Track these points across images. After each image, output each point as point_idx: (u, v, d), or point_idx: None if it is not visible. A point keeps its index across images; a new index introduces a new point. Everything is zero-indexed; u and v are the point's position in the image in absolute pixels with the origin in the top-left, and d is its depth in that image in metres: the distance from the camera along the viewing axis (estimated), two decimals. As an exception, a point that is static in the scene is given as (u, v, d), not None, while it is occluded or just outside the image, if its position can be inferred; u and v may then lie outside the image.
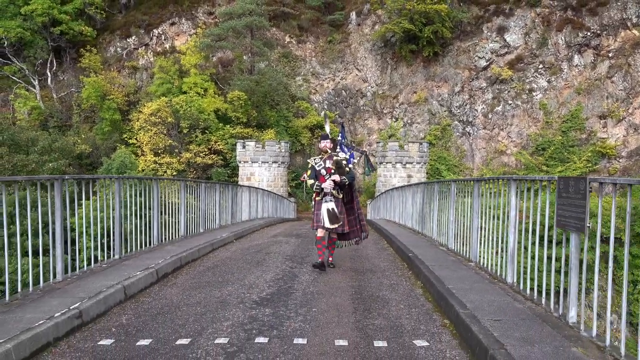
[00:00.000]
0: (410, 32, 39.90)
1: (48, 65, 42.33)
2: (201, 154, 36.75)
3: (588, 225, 4.09)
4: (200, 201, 12.05)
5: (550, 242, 4.94)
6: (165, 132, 36.90)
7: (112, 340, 4.53)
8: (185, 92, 38.72)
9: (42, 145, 33.25)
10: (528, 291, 5.37)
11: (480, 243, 7.09)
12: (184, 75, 40.14)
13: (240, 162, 35.46)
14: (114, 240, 7.64)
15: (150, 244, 8.97)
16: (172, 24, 45.86)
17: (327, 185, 7.59)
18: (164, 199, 9.83)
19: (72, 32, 41.57)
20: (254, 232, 14.13)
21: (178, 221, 10.53)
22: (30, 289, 5.45)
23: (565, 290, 4.53)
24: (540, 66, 40.36)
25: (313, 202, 8.00)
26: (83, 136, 38.21)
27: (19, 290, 5.30)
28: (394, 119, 42.23)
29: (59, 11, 40.71)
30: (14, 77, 41.52)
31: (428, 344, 4.45)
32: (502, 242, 6.17)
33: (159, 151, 36.44)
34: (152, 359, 4.08)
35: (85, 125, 41.09)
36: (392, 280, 7.25)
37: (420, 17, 39.33)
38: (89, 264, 6.78)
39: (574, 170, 36.87)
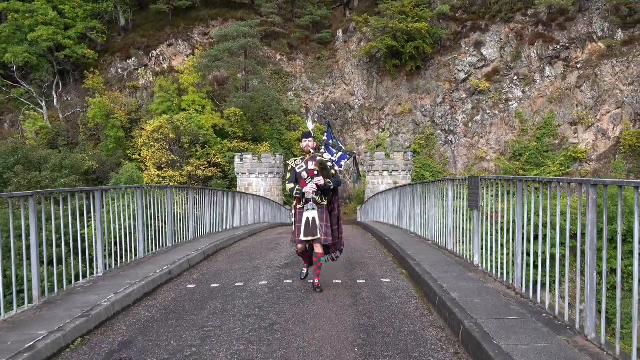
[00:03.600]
0: (394, 48, 42.92)
1: (54, 87, 44.98)
2: (201, 167, 39.38)
3: (481, 204, 6.88)
4: (218, 206, 14.75)
5: (470, 219, 7.72)
6: (167, 147, 39.47)
7: (195, 285, 7.27)
8: (184, 110, 41.43)
9: (53, 163, 35.64)
10: (459, 252, 8.16)
11: (435, 226, 9.86)
12: (182, 94, 42.89)
13: (238, 173, 38.16)
14: (166, 233, 10.32)
15: (188, 238, 11.67)
16: (169, 45, 48.65)
17: (309, 189, 6.65)
18: (195, 204, 12.54)
19: (75, 55, 44.21)
20: (262, 232, 16.85)
21: (204, 222, 13.23)
22: (129, 261, 8.17)
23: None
24: (515, 78, 43.50)
25: (293, 212, 6.99)
26: (90, 153, 40.68)
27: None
28: (380, 130, 45.13)
29: (63, 36, 43.36)
30: (21, 99, 44.06)
31: (390, 280, 7.26)
32: (445, 223, 8.95)
33: (162, 165, 39.01)
34: (223, 292, 6.81)
35: (90, 143, 43.62)
36: (372, 254, 10.05)
37: (403, 34, 42.38)
38: (155, 248, 9.49)
39: (548, 173, 39.79)
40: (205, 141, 40.01)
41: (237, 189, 38.23)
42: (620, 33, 41.03)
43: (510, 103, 43.13)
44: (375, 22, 43.38)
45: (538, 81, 42.88)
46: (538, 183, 5.11)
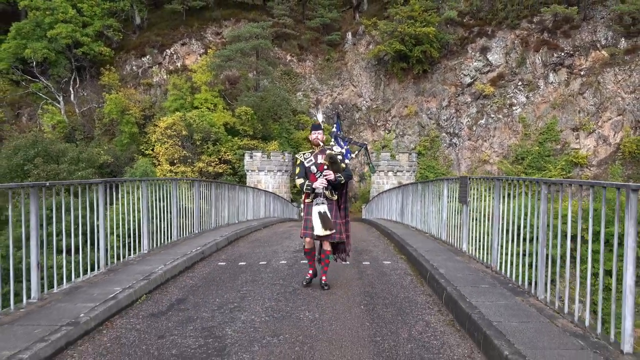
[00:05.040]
0: (402, 51, 44.10)
1: (71, 82, 46.45)
2: (212, 164, 40.72)
3: (469, 199, 8.13)
4: (235, 199, 16.05)
5: (459, 213, 8.97)
6: (179, 143, 40.83)
7: (224, 263, 8.57)
8: (196, 107, 42.80)
9: (71, 156, 37.01)
10: (451, 241, 9.41)
11: (432, 221, 11.12)
12: (195, 92, 44.26)
13: (248, 170, 39.53)
14: (193, 221, 11.61)
15: (210, 227, 12.96)
16: (183, 44, 50.04)
17: (319, 184, 6.42)
18: (217, 197, 13.84)
19: (92, 52, 45.68)
20: (274, 225, 18.16)
21: (224, 213, 14.52)
22: (165, 243, 9.47)
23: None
24: (520, 83, 44.59)
25: (302, 205, 6.76)
26: (105, 147, 42.09)
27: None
28: (387, 131, 46.35)
29: (81, 34, 44.78)
30: (39, 94, 45.57)
31: (390, 262, 8.55)
32: (440, 217, 10.21)
33: (174, 161, 40.38)
34: (250, 268, 8.11)
35: (105, 138, 45.06)
36: (375, 244, 11.34)
37: (411, 38, 43.55)
38: (185, 233, 10.79)
39: (549, 177, 40.96)
40: (216, 138, 41.34)
41: (247, 185, 39.56)
42: (623, 42, 42.07)
43: (514, 108, 44.20)
44: (384, 26, 44.58)
45: (542, 87, 43.94)
46: (510, 182, 6.36)
